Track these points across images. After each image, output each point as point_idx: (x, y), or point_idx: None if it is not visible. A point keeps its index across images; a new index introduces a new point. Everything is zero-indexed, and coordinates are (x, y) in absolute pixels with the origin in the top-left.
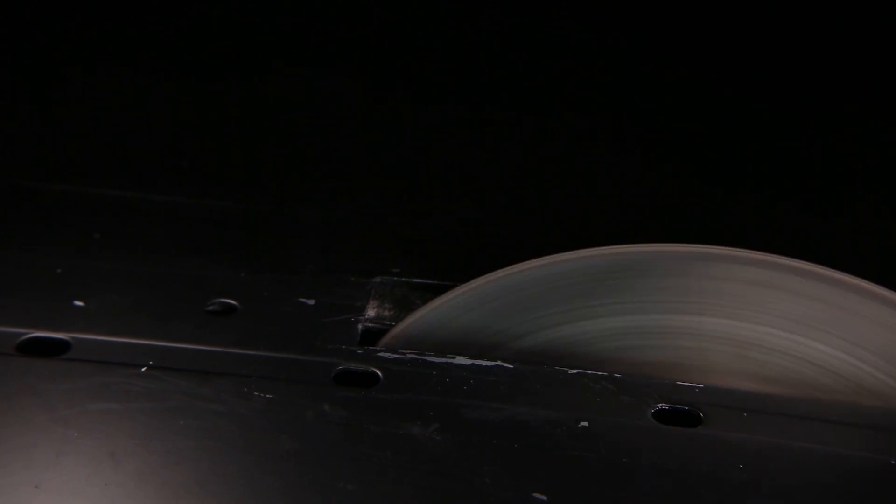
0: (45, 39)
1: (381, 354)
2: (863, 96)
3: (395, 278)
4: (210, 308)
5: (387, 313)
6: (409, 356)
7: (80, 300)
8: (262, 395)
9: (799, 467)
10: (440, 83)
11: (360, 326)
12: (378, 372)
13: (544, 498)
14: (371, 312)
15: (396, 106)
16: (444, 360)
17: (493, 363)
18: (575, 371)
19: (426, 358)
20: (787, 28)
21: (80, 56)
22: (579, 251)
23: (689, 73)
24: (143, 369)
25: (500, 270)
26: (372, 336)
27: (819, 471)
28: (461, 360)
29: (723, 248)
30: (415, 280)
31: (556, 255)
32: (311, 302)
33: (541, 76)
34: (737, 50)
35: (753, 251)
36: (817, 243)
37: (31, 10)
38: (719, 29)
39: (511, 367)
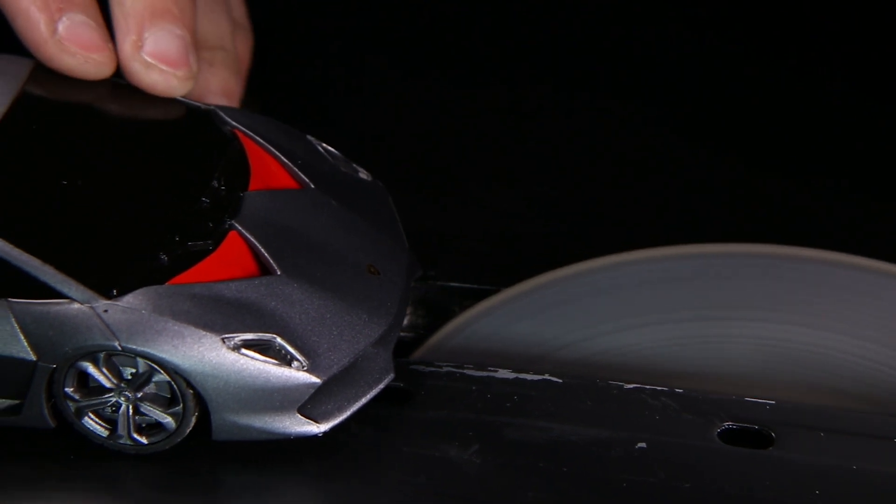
0: None
1: (415, 367)
2: None
3: (431, 282)
4: None
5: (421, 321)
6: (445, 369)
7: None
8: None
9: (882, 494)
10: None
11: None
12: (411, 387)
13: None
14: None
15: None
16: (484, 373)
17: (539, 377)
18: (631, 385)
19: (465, 371)
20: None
21: None
22: (640, 251)
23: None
24: None
25: (547, 273)
26: (404, 347)
27: None
28: (504, 373)
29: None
30: (452, 284)
31: (611, 256)
32: None
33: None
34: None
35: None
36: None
37: None
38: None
39: (559, 381)
